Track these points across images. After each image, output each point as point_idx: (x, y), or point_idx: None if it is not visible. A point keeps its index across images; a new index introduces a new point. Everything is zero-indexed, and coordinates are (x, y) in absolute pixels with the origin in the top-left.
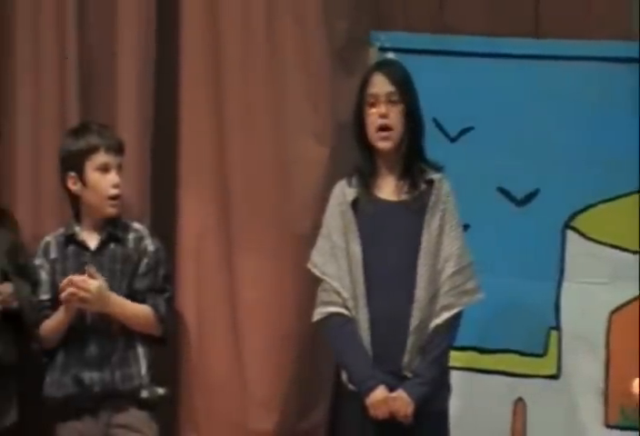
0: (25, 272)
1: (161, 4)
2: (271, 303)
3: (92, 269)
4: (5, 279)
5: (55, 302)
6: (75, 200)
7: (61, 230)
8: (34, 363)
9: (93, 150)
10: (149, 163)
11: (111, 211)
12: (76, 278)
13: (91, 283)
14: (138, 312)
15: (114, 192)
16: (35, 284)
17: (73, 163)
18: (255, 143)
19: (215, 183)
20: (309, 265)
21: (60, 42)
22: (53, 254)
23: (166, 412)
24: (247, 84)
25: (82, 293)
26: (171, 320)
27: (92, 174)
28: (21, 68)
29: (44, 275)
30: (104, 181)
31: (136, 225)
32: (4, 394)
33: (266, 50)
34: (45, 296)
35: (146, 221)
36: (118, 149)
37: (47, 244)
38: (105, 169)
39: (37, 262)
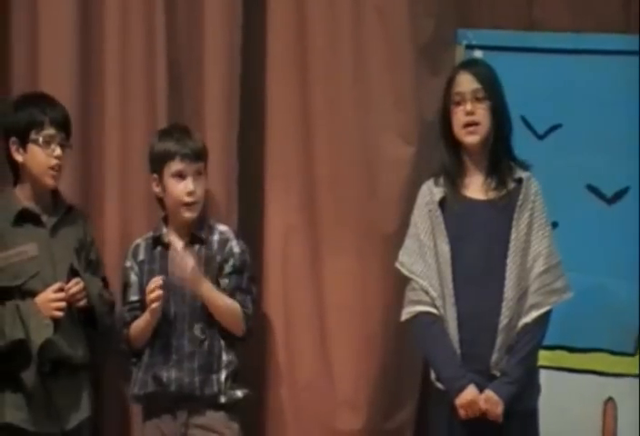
0: (95, 269)
1: (248, 2)
2: (357, 303)
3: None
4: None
5: (144, 304)
6: (161, 201)
7: (150, 233)
8: (118, 362)
9: (168, 157)
10: (236, 162)
11: (186, 216)
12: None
13: (187, 263)
14: (228, 303)
15: (187, 199)
16: (125, 286)
17: (154, 166)
18: (341, 142)
19: (301, 184)
20: (397, 264)
21: (149, 41)
22: (141, 256)
23: (253, 413)
24: (333, 83)
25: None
26: (253, 319)
27: (168, 180)
28: (110, 68)
29: (133, 277)
30: (179, 188)
31: (222, 227)
32: (74, 391)
33: (352, 48)
34: (133, 297)
35: (234, 221)
36: (196, 156)
37: (137, 247)
38: (180, 176)
39: (127, 264)
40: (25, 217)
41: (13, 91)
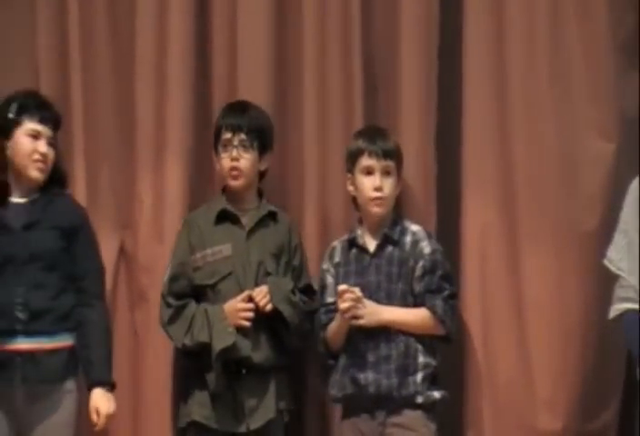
0: (298, 275)
1: (444, 2)
2: (556, 301)
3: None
4: None
5: None
6: (356, 201)
7: (347, 235)
8: (317, 363)
9: (359, 153)
10: (434, 162)
11: (374, 211)
12: (348, 294)
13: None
14: (414, 318)
15: (374, 194)
16: (321, 288)
17: (348, 165)
18: (539, 140)
19: (499, 182)
20: (605, 261)
21: (345, 44)
22: (337, 258)
23: (451, 414)
24: (530, 81)
25: (354, 310)
26: (453, 317)
27: (358, 176)
28: (308, 70)
29: (329, 279)
30: (366, 183)
31: (414, 228)
32: (260, 392)
33: (550, 45)
34: (330, 299)
35: (432, 221)
36: (384, 154)
37: (333, 249)
38: (367, 172)
39: (324, 266)
40: (225, 217)
41: (214, 96)
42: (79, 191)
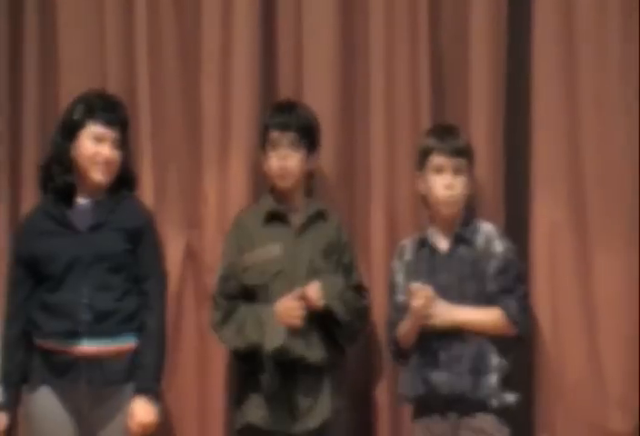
0: (348, 272)
1: (513, 1)
2: (627, 301)
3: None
4: None
5: None
6: (426, 200)
7: (417, 233)
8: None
9: (429, 152)
10: (502, 161)
11: (444, 211)
12: (421, 292)
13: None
14: (486, 318)
15: (445, 193)
16: (391, 287)
17: (419, 163)
18: (609, 138)
19: (568, 180)
20: None
21: (413, 44)
22: (407, 257)
23: (522, 415)
24: (601, 79)
25: (426, 309)
26: (526, 318)
27: (429, 175)
28: (375, 72)
29: (399, 277)
30: (437, 182)
31: (486, 226)
32: (315, 392)
33: (620, 43)
34: (400, 298)
35: (501, 219)
36: (454, 152)
37: (403, 247)
38: (438, 170)
39: (394, 264)
40: (273, 217)
41: (279, 96)
42: (146, 191)
